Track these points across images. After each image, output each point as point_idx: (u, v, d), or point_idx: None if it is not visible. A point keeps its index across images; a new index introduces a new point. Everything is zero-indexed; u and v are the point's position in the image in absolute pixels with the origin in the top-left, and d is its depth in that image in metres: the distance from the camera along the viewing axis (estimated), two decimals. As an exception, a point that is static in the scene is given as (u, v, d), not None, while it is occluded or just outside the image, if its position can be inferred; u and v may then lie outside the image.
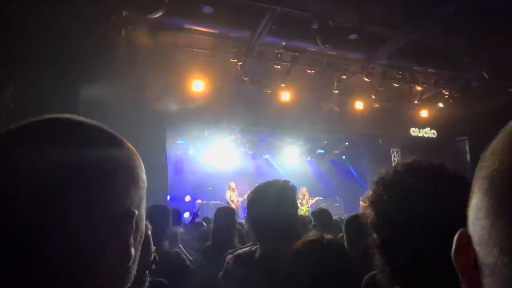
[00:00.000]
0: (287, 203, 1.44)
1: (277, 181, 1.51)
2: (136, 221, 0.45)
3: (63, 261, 0.39)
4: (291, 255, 1.14)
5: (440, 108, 10.29)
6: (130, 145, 0.49)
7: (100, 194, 0.42)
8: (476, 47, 7.46)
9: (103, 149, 0.44)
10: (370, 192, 0.90)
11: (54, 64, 6.50)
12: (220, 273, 1.49)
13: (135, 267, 0.46)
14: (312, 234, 1.23)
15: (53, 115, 0.45)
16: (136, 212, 0.45)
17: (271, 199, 1.41)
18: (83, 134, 0.44)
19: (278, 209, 1.39)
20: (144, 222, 0.49)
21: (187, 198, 11.91)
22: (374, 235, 0.82)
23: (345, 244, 2.11)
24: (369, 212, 0.85)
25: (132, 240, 0.45)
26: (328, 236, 1.20)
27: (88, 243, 0.40)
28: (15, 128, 0.43)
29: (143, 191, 0.49)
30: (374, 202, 0.86)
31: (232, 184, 10.50)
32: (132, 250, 0.45)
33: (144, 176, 0.49)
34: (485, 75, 8.32)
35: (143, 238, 0.49)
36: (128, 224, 0.44)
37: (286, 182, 1.50)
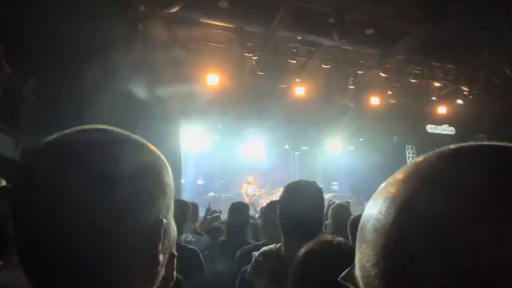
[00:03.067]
0: (317, 204, 1.51)
1: (308, 182, 1.57)
2: (164, 229, 0.47)
3: (98, 268, 0.42)
4: (302, 256, 1.15)
5: (459, 104, 10.04)
6: (159, 153, 0.50)
7: (130, 205, 0.43)
8: (498, 43, 7.23)
9: (132, 159, 0.45)
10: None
11: (73, 57, 6.64)
12: (249, 269, 1.53)
13: (163, 270, 0.48)
14: (323, 236, 1.24)
15: (85, 127, 0.47)
16: (164, 220, 0.47)
17: (302, 199, 1.48)
18: (113, 145, 0.46)
19: (309, 209, 1.46)
20: (172, 227, 0.50)
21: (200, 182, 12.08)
22: None
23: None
24: None
25: (160, 247, 0.46)
26: (339, 238, 1.20)
27: (120, 252, 0.43)
28: (51, 140, 0.45)
29: (171, 198, 0.50)
30: None
31: (250, 178, 10.53)
32: (161, 257, 0.47)
33: (171, 182, 0.50)
34: (507, 71, 8.07)
35: (170, 242, 0.50)
36: (156, 233, 0.46)
37: (315, 184, 1.56)
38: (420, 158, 0.34)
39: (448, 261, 0.27)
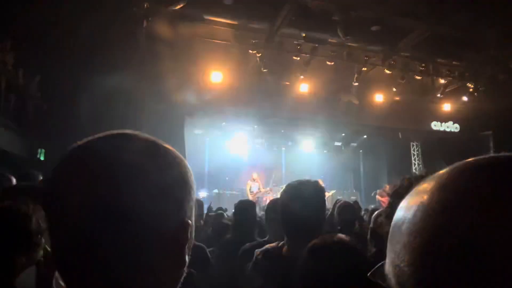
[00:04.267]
0: (318, 203, 1.50)
1: (309, 181, 1.55)
2: (190, 231, 0.48)
3: (128, 267, 0.43)
4: (305, 253, 1.16)
5: (464, 101, 9.97)
6: (182, 157, 0.51)
7: (159, 208, 0.45)
8: (504, 39, 7.15)
9: (161, 165, 0.47)
10: (387, 204, 0.92)
11: (77, 55, 6.67)
12: (249, 265, 1.54)
13: (186, 270, 0.50)
14: (327, 235, 1.24)
15: (113, 132, 0.48)
16: (190, 222, 0.49)
17: (303, 199, 1.47)
18: (143, 150, 0.47)
19: (309, 208, 1.45)
20: (194, 228, 0.52)
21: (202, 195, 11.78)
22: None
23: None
24: (386, 223, 0.87)
25: (186, 248, 0.48)
26: (340, 235, 1.21)
27: (149, 253, 0.44)
28: (80, 144, 0.47)
29: (194, 200, 0.51)
30: (390, 214, 0.88)
31: (254, 175, 10.54)
32: (187, 258, 0.48)
33: (194, 186, 0.52)
34: (513, 68, 8.00)
35: (192, 243, 0.52)
36: (183, 234, 0.47)
37: (316, 182, 1.55)
38: (452, 167, 0.36)
39: (477, 269, 0.29)
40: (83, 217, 0.42)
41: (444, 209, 0.33)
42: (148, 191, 0.44)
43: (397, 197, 0.88)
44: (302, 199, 1.46)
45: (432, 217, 0.33)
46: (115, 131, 0.48)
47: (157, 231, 0.44)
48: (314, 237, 1.41)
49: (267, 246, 1.57)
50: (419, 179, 0.84)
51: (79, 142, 0.47)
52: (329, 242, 1.17)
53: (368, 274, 0.41)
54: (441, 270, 0.31)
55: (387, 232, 0.87)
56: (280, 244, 1.52)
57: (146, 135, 0.49)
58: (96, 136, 0.47)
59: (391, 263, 0.36)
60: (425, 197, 0.35)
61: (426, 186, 0.36)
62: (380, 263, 0.39)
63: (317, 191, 1.51)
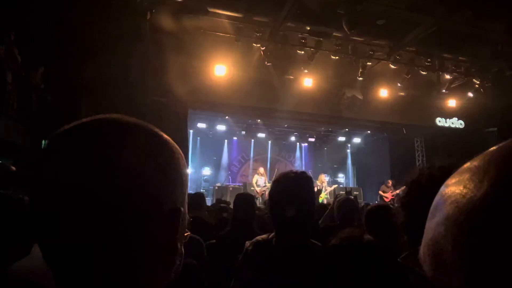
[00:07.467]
0: (303, 193, 1.47)
1: (295, 172, 1.52)
2: (181, 218, 0.48)
3: (114, 252, 0.42)
4: (329, 250, 1.15)
5: (469, 97, 9.88)
6: (173, 142, 0.51)
7: (148, 194, 0.44)
8: (511, 34, 7.05)
9: (150, 149, 0.46)
10: (402, 193, 0.89)
11: (81, 47, 6.67)
12: (240, 258, 1.53)
13: (180, 259, 0.49)
14: (347, 232, 1.23)
15: (103, 116, 0.47)
16: (182, 209, 0.48)
17: (288, 190, 1.45)
18: (132, 134, 0.46)
19: (293, 199, 1.43)
20: (186, 216, 0.51)
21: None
22: (405, 237, 0.82)
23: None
24: (401, 213, 0.85)
25: (178, 236, 0.47)
26: (368, 236, 1.19)
27: (139, 240, 0.43)
28: (66, 129, 0.46)
29: (186, 187, 0.51)
30: (407, 204, 0.86)
31: (261, 170, 10.57)
32: (179, 245, 0.48)
33: (186, 172, 0.51)
34: (520, 64, 7.90)
35: (185, 230, 0.51)
36: (174, 221, 0.47)
37: (303, 173, 1.52)
38: (503, 144, 0.33)
39: None
40: (65, 205, 0.41)
41: (501, 183, 0.29)
42: (136, 176, 0.43)
43: (416, 186, 0.86)
44: (288, 191, 1.44)
45: (492, 189, 0.29)
46: (103, 115, 0.47)
47: (145, 218, 0.44)
48: (304, 229, 1.43)
49: (258, 237, 1.55)
50: (443, 170, 0.82)
51: (66, 126, 0.46)
52: (357, 243, 1.15)
53: (399, 258, 0.39)
54: (494, 243, 0.27)
55: (403, 223, 0.85)
56: (270, 236, 1.50)
57: (134, 119, 0.48)
58: (83, 120, 0.46)
59: (428, 242, 0.33)
60: (479, 171, 0.31)
61: (477, 162, 0.33)
62: (408, 251, 0.37)
63: (305, 182, 1.47)
